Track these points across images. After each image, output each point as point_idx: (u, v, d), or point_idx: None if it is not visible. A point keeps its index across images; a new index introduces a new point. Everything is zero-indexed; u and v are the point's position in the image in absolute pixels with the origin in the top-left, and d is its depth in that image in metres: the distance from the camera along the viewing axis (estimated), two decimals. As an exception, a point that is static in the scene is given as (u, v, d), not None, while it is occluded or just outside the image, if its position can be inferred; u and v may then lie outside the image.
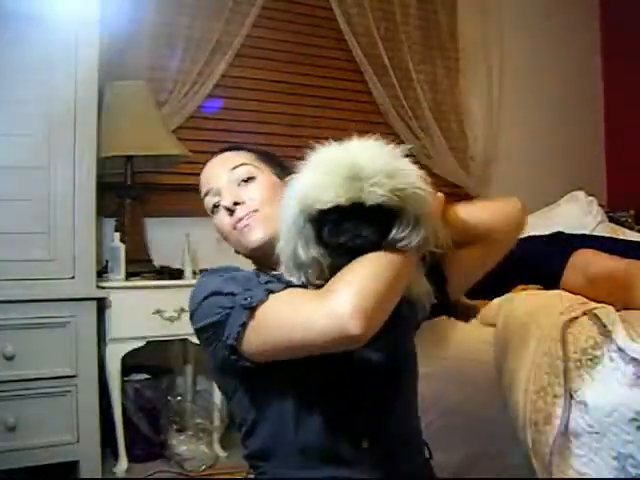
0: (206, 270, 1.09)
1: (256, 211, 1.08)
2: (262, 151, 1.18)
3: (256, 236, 1.07)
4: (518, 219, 1.12)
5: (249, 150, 1.16)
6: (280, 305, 0.89)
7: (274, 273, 1.02)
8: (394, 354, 1.01)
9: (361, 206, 0.84)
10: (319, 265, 0.90)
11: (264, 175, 1.12)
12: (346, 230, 0.85)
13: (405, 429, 1.06)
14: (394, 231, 0.87)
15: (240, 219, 1.08)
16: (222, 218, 1.10)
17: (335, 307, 0.82)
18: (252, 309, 0.89)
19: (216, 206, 1.11)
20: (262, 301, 0.89)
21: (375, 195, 0.83)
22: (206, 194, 1.12)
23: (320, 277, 0.90)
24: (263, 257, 1.08)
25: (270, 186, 1.11)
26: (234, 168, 1.11)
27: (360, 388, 0.99)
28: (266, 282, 0.95)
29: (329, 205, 0.85)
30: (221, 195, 1.10)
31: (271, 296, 0.90)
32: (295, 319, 0.86)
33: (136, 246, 2.39)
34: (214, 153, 1.18)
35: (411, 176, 0.87)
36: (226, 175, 1.11)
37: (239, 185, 1.10)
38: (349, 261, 0.87)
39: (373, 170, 0.84)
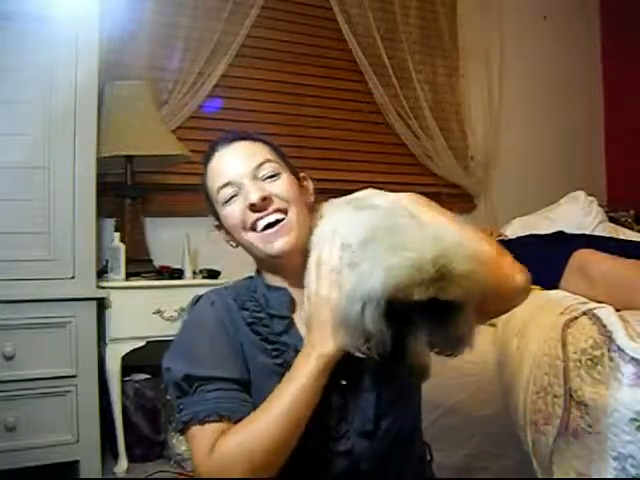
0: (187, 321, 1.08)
1: (285, 213, 1.02)
2: (274, 144, 1.11)
3: (282, 244, 1.01)
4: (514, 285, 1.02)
5: (264, 142, 1.10)
6: (194, 439, 0.94)
7: (279, 286, 1.06)
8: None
9: (435, 299, 0.83)
10: (381, 338, 0.87)
11: (287, 174, 1.06)
12: (421, 324, 0.87)
13: (405, 433, 1.05)
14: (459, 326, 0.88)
15: (268, 219, 1.02)
16: (238, 210, 1.03)
17: (215, 467, 0.90)
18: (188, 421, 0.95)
19: (233, 196, 1.03)
20: (192, 422, 0.94)
21: (453, 295, 0.83)
22: (225, 185, 1.04)
23: (379, 349, 0.88)
24: (276, 265, 1.05)
25: (296, 186, 1.06)
26: (260, 165, 1.04)
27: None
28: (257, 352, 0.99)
29: (412, 300, 0.83)
30: (243, 190, 1.03)
31: (193, 428, 0.94)
32: (194, 454, 0.94)
33: (136, 246, 2.39)
34: (223, 138, 1.09)
35: (481, 274, 0.86)
36: (250, 171, 1.03)
37: (264, 181, 1.03)
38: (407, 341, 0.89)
39: (459, 271, 0.83)
